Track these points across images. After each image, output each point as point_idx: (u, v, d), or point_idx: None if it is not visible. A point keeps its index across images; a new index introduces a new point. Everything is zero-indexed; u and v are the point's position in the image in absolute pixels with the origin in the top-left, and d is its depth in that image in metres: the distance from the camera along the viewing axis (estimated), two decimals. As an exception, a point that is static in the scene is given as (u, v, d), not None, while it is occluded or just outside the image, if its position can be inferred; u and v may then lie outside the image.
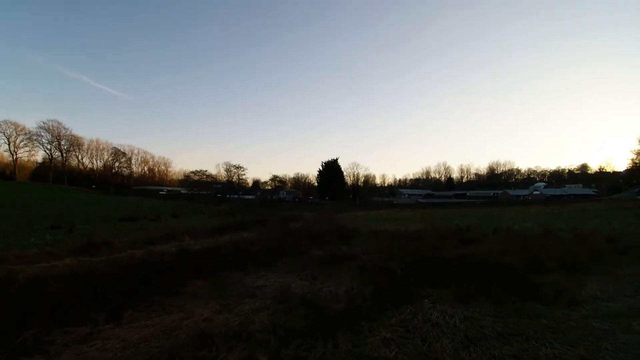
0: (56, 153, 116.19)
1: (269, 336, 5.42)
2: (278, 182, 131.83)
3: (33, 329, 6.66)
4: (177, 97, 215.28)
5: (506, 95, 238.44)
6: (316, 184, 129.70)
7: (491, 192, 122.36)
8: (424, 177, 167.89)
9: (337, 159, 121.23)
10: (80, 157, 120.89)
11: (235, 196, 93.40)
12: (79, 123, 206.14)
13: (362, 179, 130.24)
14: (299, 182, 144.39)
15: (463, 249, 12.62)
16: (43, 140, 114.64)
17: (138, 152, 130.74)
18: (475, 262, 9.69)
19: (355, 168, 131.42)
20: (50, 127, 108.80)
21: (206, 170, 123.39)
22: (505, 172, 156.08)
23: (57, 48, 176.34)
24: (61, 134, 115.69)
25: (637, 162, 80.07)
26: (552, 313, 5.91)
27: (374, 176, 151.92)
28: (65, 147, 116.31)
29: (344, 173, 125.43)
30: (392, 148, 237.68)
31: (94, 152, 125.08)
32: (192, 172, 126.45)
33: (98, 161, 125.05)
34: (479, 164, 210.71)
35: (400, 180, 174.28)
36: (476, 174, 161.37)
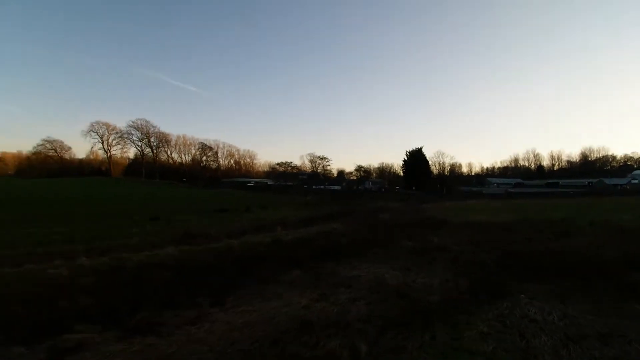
0: (147, 149, 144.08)
1: (366, 325, 6.38)
2: (363, 172, 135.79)
3: (145, 312, 8.34)
4: (258, 90, 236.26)
5: (596, 74, 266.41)
6: (401, 173, 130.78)
7: (585, 181, 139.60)
8: (512, 165, 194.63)
9: (421, 148, 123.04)
10: (169, 153, 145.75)
11: (321, 187, 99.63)
12: (166, 121, 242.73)
13: (447, 168, 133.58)
14: (383, 172, 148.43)
15: (557, 242, 13.72)
16: (133, 137, 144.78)
17: (223, 146, 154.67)
18: (572, 257, 10.58)
19: (440, 157, 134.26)
20: (139, 126, 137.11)
21: (291, 162, 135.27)
22: (599, 158, 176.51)
23: (140, 52, 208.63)
24: (150, 131, 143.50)
25: None
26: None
27: (460, 165, 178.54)
28: (154, 144, 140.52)
29: (429, 162, 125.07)
30: (478, 135, 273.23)
31: (181, 147, 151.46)
32: (277, 164, 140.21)
33: (186, 156, 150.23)
34: (570, 151, 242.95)
35: (487, 168, 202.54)
36: (568, 161, 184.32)
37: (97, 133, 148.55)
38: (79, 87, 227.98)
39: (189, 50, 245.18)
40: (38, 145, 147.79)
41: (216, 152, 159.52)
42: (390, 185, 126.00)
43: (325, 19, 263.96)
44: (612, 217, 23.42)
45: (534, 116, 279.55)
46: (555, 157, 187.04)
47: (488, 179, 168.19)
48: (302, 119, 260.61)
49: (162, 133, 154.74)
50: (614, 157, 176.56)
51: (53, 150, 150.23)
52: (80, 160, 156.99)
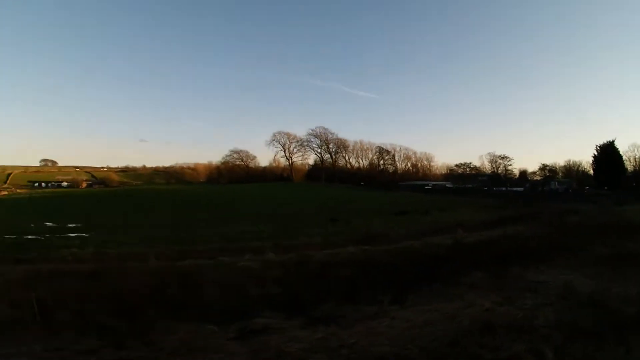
0: (326, 155, 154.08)
1: (553, 332, 6.23)
2: (548, 172, 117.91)
3: (327, 304, 9.15)
4: (431, 92, 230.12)
5: None
6: (591, 171, 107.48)
7: None
8: None
9: (613, 141, 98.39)
10: (347, 158, 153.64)
11: (502, 189, 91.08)
12: (343, 128, 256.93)
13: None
14: (570, 171, 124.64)
15: None
16: (313, 145, 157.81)
17: (400, 149, 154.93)
18: None
19: (636, 150, 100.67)
20: (318, 133, 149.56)
21: (470, 163, 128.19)
22: None
23: (314, 65, 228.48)
24: (328, 138, 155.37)
25: None
26: None
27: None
28: (333, 150, 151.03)
29: (623, 157, 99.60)
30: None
31: (358, 152, 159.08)
32: (455, 165, 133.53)
33: (363, 160, 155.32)
34: None
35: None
36: None
37: (279, 142, 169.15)
38: (261, 101, 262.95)
39: (359, 57, 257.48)
40: (226, 156, 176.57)
41: (393, 155, 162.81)
42: (579, 185, 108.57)
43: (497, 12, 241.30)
44: None
45: None
46: None
47: None
48: (480, 117, 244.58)
49: (340, 139, 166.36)
50: None
51: (240, 160, 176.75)
52: (264, 168, 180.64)
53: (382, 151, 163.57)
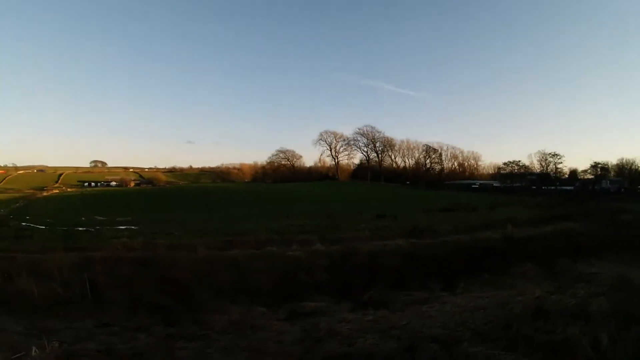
0: (372, 154, 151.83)
1: (608, 319, 6.42)
2: (600, 170, 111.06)
3: (375, 290, 9.41)
4: (479, 90, 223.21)
5: None
6: None
7: None
8: None
9: None
10: (393, 157, 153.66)
11: (552, 187, 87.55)
12: (389, 127, 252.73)
13: None
14: (622, 170, 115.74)
15: None
16: (360, 143, 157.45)
17: (447, 148, 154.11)
18: None
19: None
20: (365, 132, 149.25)
21: (519, 161, 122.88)
22: None
23: (360, 65, 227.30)
24: (375, 136, 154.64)
25: None
26: None
27: None
28: (379, 148, 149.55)
29: None
30: None
31: (405, 151, 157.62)
32: (504, 163, 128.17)
33: (410, 159, 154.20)
34: None
35: None
36: None
37: (325, 141, 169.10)
38: (307, 101, 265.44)
39: (406, 56, 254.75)
40: (272, 155, 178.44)
41: (440, 154, 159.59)
42: (631, 184, 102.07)
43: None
44: None
45: None
46: None
47: None
48: (530, 115, 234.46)
49: (387, 138, 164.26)
50: None
51: (286, 159, 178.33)
52: (309, 168, 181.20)
53: (429, 149, 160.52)
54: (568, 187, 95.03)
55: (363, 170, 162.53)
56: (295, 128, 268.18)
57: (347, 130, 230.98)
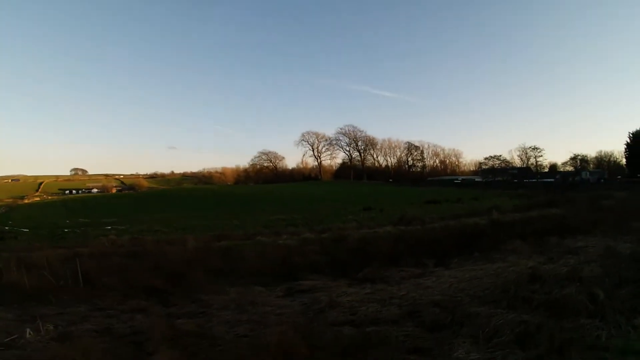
0: (354, 153, 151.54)
1: (601, 280, 7.12)
2: (579, 162, 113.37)
3: (370, 268, 9.64)
4: (458, 89, 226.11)
5: None
6: (623, 161, 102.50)
7: None
8: None
9: None
10: (375, 156, 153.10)
11: (533, 180, 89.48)
12: (370, 126, 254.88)
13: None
14: (601, 162, 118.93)
15: None
16: (342, 143, 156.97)
17: (428, 146, 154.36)
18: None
19: None
20: (347, 131, 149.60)
21: (500, 155, 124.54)
22: None
23: (339, 69, 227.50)
24: (357, 136, 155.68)
25: None
26: None
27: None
28: (362, 147, 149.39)
29: None
30: None
31: (387, 150, 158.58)
32: (485, 158, 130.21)
33: (391, 158, 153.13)
34: None
35: None
36: None
37: (307, 142, 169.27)
38: (289, 105, 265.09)
39: (385, 59, 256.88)
40: (255, 157, 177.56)
41: (422, 152, 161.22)
42: (610, 175, 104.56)
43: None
44: None
45: None
46: None
47: None
48: (509, 112, 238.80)
49: (369, 137, 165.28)
50: None
51: (268, 161, 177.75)
52: (292, 170, 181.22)
53: (411, 147, 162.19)
54: (549, 180, 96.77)
55: (346, 170, 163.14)
56: (277, 131, 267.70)
57: (329, 130, 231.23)
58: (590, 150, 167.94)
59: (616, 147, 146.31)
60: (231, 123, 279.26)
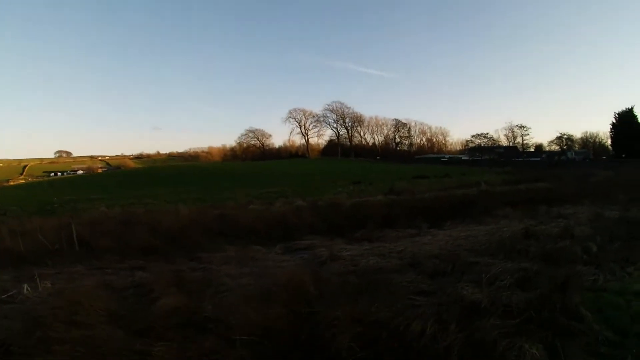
0: (342, 130, 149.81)
1: (592, 237, 7.89)
2: (565, 141, 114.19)
3: (366, 229, 9.98)
4: (444, 66, 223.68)
5: None
6: (608, 142, 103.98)
7: None
8: None
9: (632, 108, 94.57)
10: (362, 134, 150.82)
11: (519, 159, 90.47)
12: (358, 104, 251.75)
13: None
14: (587, 143, 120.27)
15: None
16: (329, 120, 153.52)
17: (415, 125, 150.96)
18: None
19: None
20: (335, 108, 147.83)
21: (487, 133, 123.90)
22: None
23: (324, 46, 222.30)
24: (345, 112, 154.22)
25: None
26: None
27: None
28: (349, 125, 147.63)
29: None
30: None
31: (374, 127, 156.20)
32: (472, 136, 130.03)
33: (379, 136, 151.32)
34: None
35: None
36: None
37: (295, 119, 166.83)
38: (275, 84, 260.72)
39: (371, 36, 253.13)
40: (242, 135, 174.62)
41: (409, 129, 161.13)
42: (596, 156, 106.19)
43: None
44: None
45: None
46: None
47: None
48: (495, 92, 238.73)
49: (356, 114, 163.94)
50: None
51: (255, 139, 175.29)
52: (279, 148, 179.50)
53: (398, 124, 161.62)
54: (535, 159, 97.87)
55: (333, 147, 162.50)
56: (263, 109, 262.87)
57: (317, 107, 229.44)
58: (576, 131, 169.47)
59: (601, 128, 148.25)
60: (216, 103, 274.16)
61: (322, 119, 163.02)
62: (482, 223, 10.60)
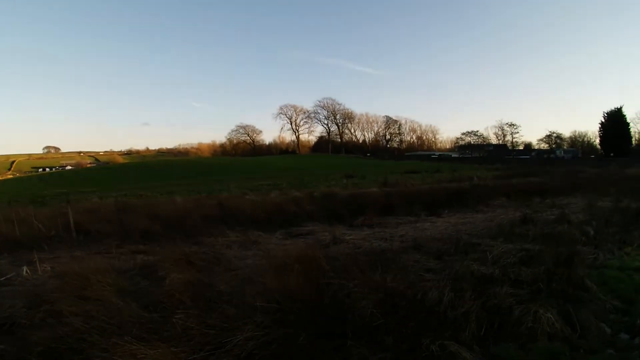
0: (333, 127, 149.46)
1: (589, 223, 8.34)
2: (554, 139, 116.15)
3: (364, 217, 9.95)
4: (435, 65, 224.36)
5: None
6: (596, 141, 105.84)
7: None
8: None
9: (620, 108, 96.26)
10: (352, 131, 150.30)
11: (509, 157, 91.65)
12: (348, 102, 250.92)
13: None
14: (575, 142, 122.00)
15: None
16: (320, 116, 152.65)
17: (405, 122, 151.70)
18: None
19: None
20: (326, 104, 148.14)
21: (477, 131, 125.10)
22: None
23: (315, 44, 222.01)
24: (336, 109, 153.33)
25: None
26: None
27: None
28: (340, 121, 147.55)
29: (630, 125, 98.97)
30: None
31: (364, 124, 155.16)
32: (462, 133, 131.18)
33: (369, 133, 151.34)
34: None
35: None
36: None
37: (285, 115, 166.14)
38: (265, 80, 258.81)
39: (362, 34, 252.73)
40: (232, 131, 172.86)
41: (399, 126, 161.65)
42: (584, 155, 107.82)
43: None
44: None
45: None
46: None
47: None
48: (486, 91, 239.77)
49: (347, 110, 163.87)
50: None
51: (246, 135, 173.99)
52: (269, 145, 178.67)
53: (389, 121, 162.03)
54: (524, 157, 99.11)
55: (323, 144, 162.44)
56: (253, 105, 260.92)
57: (307, 104, 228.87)
58: (565, 130, 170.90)
59: (589, 128, 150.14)
60: (206, 99, 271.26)
61: (313, 115, 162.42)
62: (478, 212, 10.86)
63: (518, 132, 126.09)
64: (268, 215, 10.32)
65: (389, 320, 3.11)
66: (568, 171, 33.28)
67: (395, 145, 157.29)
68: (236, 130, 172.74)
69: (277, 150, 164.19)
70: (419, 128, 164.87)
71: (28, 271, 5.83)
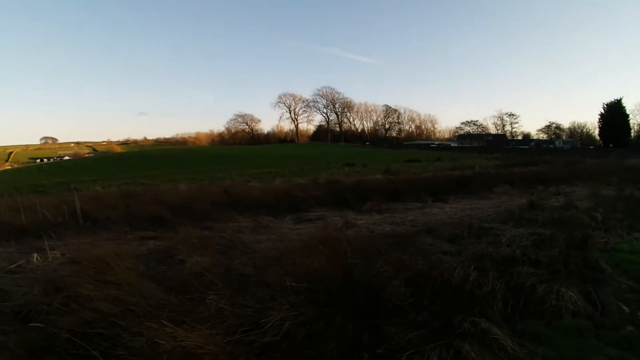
0: (332, 116, 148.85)
1: (596, 209, 8.54)
2: (554, 129, 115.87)
3: (372, 203, 9.96)
4: (434, 54, 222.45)
5: None
6: (595, 132, 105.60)
7: None
8: None
9: (620, 100, 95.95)
10: (351, 120, 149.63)
11: (508, 146, 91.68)
12: (347, 91, 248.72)
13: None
14: (574, 133, 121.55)
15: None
16: (319, 105, 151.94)
17: (405, 111, 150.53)
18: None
19: None
20: (325, 93, 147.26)
21: (476, 121, 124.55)
22: None
23: (314, 33, 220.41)
24: (335, 97, 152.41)
25: None
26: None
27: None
28: (339, 110, 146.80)
29: (629, 116, 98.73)
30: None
31: (363, 113, 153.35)
32: (461, 123, 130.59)
33: (368, 122, 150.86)
34: None
35: None
36: None
37: (284, 104, 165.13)
38: (264, 70, 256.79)
39: (360, 23, 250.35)
40: (231, 120, 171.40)
41: (399, 115, 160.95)
42: (583, 145, 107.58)
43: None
44: None
45: None
46: None
47: None
48: (485, 80, 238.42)
49: (346, 99, 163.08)
50: None
51: (244, 123, 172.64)
52: (267, 134, 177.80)
53: (389, 110, 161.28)
54: (523, 147, 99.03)
55: (322, 133, 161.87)
56: (252, 94, 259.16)
57: (306, 93, 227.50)
58: (564, 121, 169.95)
59: (589, 119, 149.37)
60: (204, 88, 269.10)
61: (312, 104, 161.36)
62: (483, 198, 10.99)
63: (517, 122, 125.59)
64: (277, 200, 10.35)
65: (417, 299, 3.16)
66: (567, 161, 33.54)
67: (394, 134, 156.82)
68: (235, 119, 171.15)
69: (275, 139, 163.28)
70: (418, 117, 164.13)
71: (39, 258, 5.84)
